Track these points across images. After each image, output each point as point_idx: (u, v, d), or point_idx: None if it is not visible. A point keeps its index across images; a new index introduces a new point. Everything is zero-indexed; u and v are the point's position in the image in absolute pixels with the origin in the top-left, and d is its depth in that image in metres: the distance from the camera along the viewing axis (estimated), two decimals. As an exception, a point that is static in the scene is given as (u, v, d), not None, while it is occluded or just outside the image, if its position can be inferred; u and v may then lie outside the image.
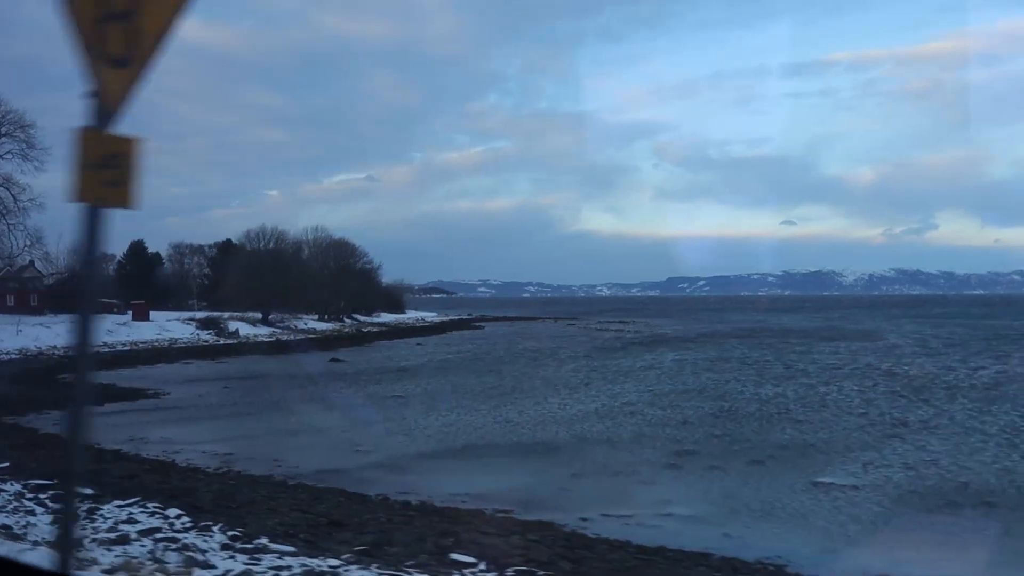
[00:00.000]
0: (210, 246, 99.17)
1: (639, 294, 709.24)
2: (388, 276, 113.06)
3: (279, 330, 71.93)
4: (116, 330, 61.69)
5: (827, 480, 17.21)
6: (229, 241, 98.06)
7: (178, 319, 66.44)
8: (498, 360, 55.76)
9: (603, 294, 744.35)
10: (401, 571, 8.90)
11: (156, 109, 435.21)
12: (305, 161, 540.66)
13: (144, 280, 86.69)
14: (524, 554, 10.61)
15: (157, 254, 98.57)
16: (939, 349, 58.63)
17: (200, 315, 67.68)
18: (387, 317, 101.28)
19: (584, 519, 13.69)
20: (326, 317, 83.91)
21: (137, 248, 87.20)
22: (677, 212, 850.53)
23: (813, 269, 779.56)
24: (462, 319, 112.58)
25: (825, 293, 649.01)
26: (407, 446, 22.22)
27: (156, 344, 60.13)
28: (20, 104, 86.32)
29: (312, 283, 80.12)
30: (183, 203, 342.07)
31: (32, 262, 68.81)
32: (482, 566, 9.69)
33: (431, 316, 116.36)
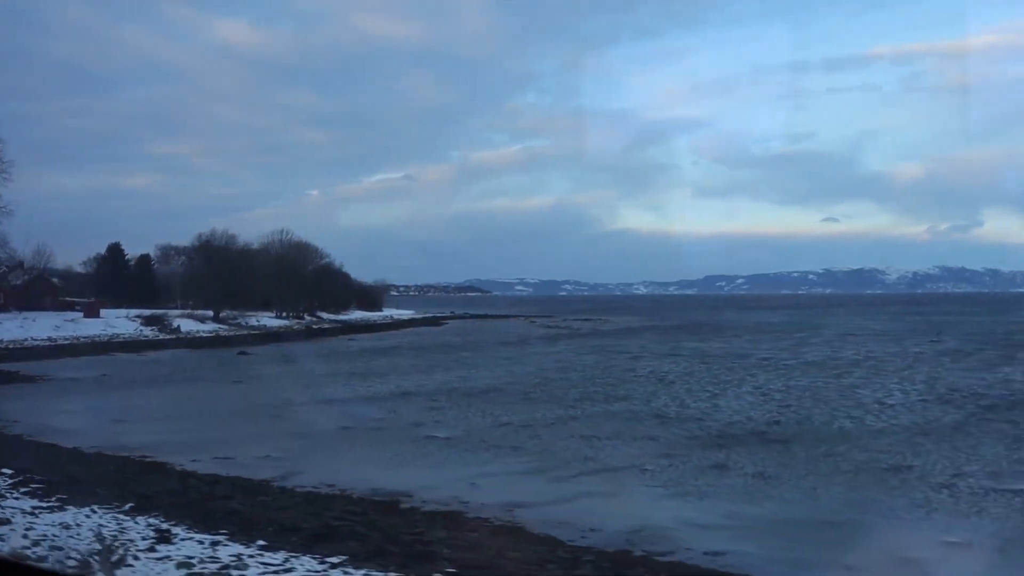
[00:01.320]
0: (190, 247, 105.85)
1: (676, 292, 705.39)
2: (388, 276, 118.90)
3: (226, 327, 77.77)
4: (63, 326, 68.10)
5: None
6: (208, 243, 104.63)
7: (126, 316, 72.70)
8: (399, 350, 61.21)
9: (639, 292, 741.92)
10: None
11: (199, 111, 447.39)
12: (344, 161, 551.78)
13: (121, 280, 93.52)
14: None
15: (147, 255, 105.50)
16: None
17: (146, 313, 73.63)
18: (357, 314, 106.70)
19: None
20: (283, 314, 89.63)
21: (114, 250, 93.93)
22: (716, 210, 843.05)
23: (855, 267, 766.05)
24: (432, 317, 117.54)
25: (867, 291, 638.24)
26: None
27: (96, 339, 66.23)
28: None
29: (266, 283, 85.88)
30: (225, 203, 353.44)
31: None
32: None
33: (407, 314, 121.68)
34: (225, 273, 78.65)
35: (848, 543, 13.07)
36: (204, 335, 72.46)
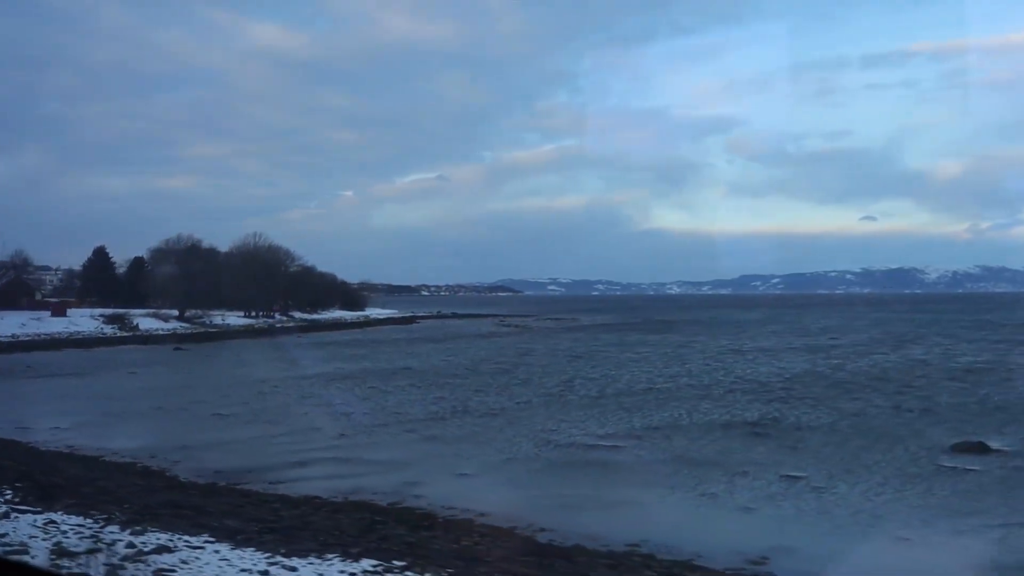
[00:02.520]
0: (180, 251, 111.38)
1: (710, 292, 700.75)
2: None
3: (188, 325, 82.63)
4: (29, 324, 73.44)
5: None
6: (195, 247, 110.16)
7: (90, 315, 77.93)
8: (331, 345, 65.72)
9: (673, 292, 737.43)
10: None
11: (236, 113, 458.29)
12: (377, 162, 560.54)
13: (107, 282, 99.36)
14: None
15: (140, 258, 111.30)
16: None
17: (108, 312, 78.77)
18: (337, 314, 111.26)
19: None
20: (252, 314, 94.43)
21: (100, 253, 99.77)
22: (751, 208, 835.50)
23: (894, 266, 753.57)
24: (411, 316, 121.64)
25: (906, 291, 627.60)
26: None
27: (56, 336, 71.32)
28: None
29: (236, 284, 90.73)
30: (262, 204, 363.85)
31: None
32: None
33: (386, 313, 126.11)
34: (188, 275, 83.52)
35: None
36: (161, 332, 77.39)
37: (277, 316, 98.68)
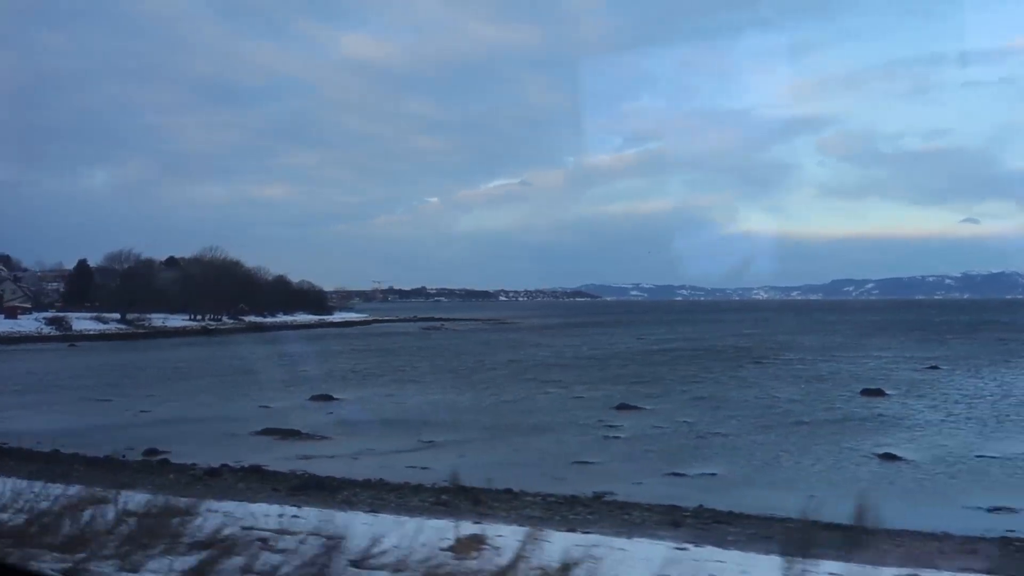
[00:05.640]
0: (161, 261, 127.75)
1: (799, 298, 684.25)
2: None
3: (125, 326, 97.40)
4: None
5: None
6: (172, 257, 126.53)
7: (35, 318, 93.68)
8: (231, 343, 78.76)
9: (760, 297, 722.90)
10: None
11: (325, 123, 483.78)
12: (462, 168, 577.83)
13: (88, 290, 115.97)
14: None
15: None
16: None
17: (49, 315, 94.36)
18: (287, 317, 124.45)
19: None
20: (195, 317, 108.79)
21: (82, 264, 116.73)
22: (844, 211, 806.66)
23: (996, 270, 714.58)
24: (365, 319, 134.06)
25: (1008, 296, 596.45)
26: None
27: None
28: None
29: (183, 290, 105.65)
30: (350, 210, 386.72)
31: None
32: None
33: (355, 316, 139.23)
34: (127, 283, 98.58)
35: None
36: (90, 332, 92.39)
37: (224, 319, 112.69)
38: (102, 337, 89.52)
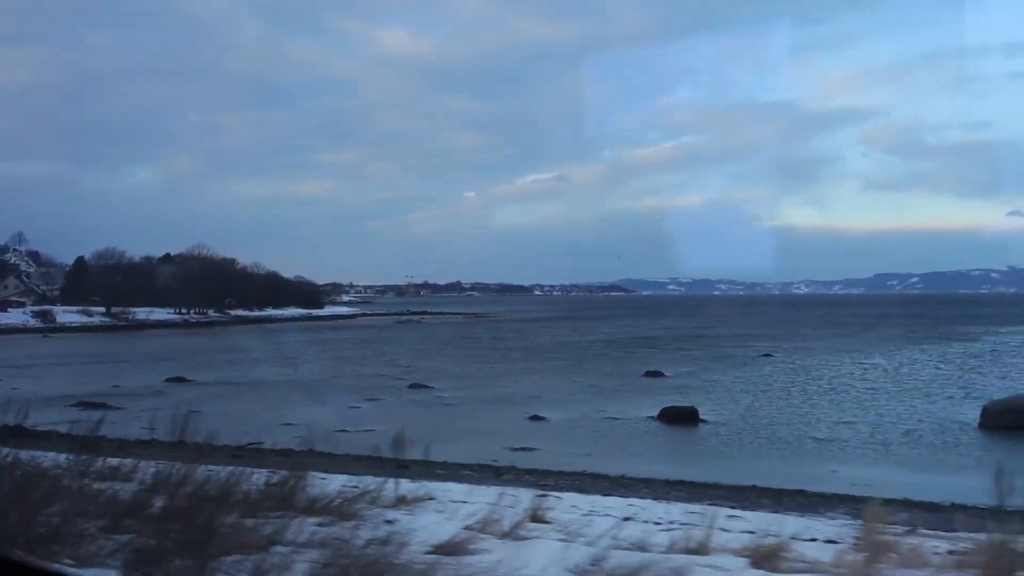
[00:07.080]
0: (158, 258, 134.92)
1: (841, 292, 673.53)
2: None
3: (109, 319, 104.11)
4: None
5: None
6: (168, 255, 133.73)
7: (23, 311, 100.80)
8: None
9: (800, 292, 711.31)
10: None
11: (362, 119, 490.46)
12: (499, 163, 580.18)
13: (84, 285, 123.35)
14: None
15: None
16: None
17: (36, 308, 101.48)
18: (274, 312, 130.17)
19: None
20: (181, 311, 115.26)
21: (80, 261, 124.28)
22: (887, 204, 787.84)
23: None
24: (352, 314, 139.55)
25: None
26: None
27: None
28: None
29: (168, 286, 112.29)
30: (387, 207, 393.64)
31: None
32: None
33: (344, 311, 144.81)
34: (115, 279, 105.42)
35: None
36: (73, 324, 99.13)
37: (211, 313, 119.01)
38: (83, 329, 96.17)
